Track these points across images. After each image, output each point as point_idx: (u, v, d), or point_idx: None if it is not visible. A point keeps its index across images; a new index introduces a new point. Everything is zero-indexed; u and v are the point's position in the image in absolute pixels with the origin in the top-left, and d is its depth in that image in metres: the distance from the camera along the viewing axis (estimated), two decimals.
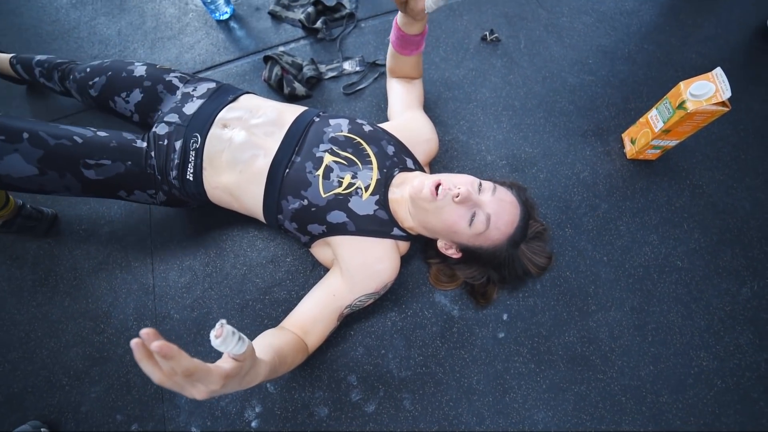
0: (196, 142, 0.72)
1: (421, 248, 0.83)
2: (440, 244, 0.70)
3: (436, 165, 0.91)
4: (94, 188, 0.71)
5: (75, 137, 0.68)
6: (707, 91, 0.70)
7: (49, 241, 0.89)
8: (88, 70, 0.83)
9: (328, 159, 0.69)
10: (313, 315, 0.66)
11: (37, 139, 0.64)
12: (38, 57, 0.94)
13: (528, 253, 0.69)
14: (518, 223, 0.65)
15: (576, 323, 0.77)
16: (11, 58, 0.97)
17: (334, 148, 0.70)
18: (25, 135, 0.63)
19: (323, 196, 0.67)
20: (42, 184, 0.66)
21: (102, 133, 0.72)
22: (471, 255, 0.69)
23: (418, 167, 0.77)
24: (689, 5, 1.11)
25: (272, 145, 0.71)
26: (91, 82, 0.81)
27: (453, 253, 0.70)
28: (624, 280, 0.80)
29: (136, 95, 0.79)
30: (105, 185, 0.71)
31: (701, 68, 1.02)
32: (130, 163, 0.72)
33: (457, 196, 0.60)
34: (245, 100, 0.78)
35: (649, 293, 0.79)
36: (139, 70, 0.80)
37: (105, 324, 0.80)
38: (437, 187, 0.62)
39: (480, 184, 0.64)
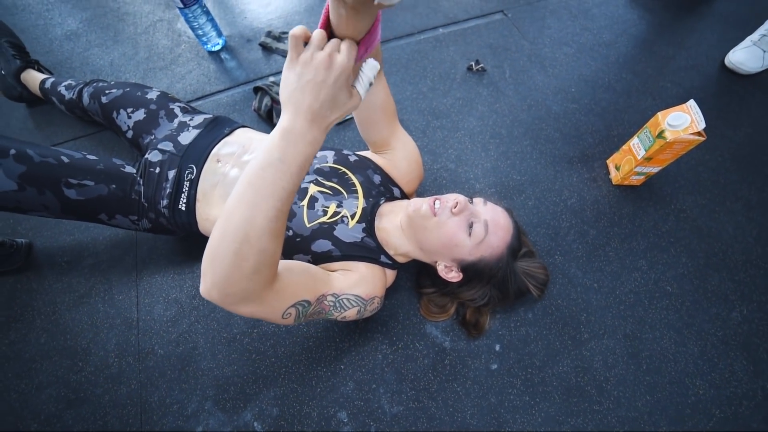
0: (192, 173, 0.72)
1: (412, 278, 0.82)
2: (440, 269, 0.68)
3: (425, 194, 0.92)
4: (74, 209, 0.70)
5: (62, 157, 0.68)
6: (683, 121, 0.73)
7: (28, 274, 0.86)
8: (112, 82, 0.91)
9: (312, 189, 0.69)
10: (301, 266, 0.56)
11: (22, 156, 0.64)
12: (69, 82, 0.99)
13: (525, 269, 0.70)
14: (513, 230, 0.67)
15: (569, 352, 0.76)
16: (44, 79, 1.02)
17: (319, 178, 0.71)
18: (12, 152, 0.63)
19: (307, 225, 0.67)
20: (19, 200, 0.65)
21: (91, 157, 0.72)
22: (472, 272, 0.67)
23: (404, 197, 0.77)
24: (661, 39, 1.17)
25: None
26: (107, 91, 0.87)
27: (454, 276, 0.68)
28: (615, 307, 0.80)
29: (139, 114, 0.83)
30: (85, 207, 0.70)
31: (677, 96, 1.07)
32: (114, 186, 0.71)
33: (455, 206, 0.62)
34: (240, 133, 0.79)
35: (641, 320, 0.78)
36: (152, 94, 0.86)
37: (83, 362, 0.77)
38: (434, 203, 0.64)
39: (470, 199, 0.67)
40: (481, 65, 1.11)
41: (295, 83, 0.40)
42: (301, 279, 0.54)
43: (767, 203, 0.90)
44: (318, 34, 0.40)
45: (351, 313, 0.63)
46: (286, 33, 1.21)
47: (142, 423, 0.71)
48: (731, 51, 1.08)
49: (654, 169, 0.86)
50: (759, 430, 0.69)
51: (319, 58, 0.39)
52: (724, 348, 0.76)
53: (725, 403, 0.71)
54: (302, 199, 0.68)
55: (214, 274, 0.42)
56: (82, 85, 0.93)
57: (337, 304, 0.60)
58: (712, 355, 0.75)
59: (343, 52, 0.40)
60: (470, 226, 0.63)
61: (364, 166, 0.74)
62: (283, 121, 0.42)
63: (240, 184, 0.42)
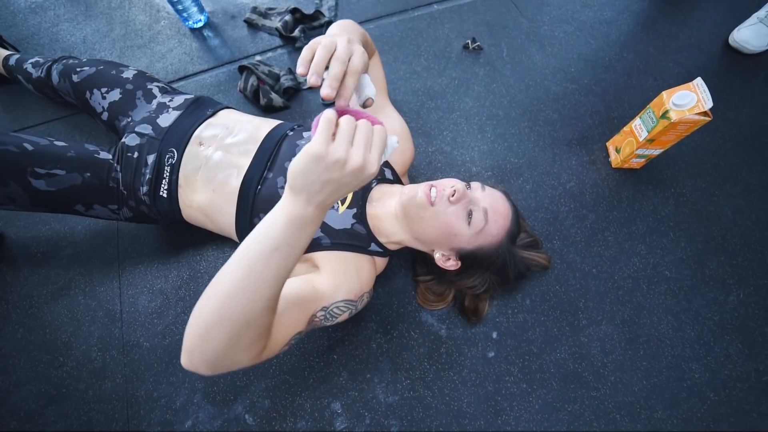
0: (172, 157, 0.68)
1: (407, 265, 0.80)
2: (438, 257, 0.66)
3: (420, 178, 0.89)
4: (45, 200, 0.66)
5: (25, 144, 0.63)
6: (689, 101, 0.70)
7: (0, 267, 0.81)
8: (84, 59, 0.84)
9: None
10: (287, 300, 0.52)
11: None
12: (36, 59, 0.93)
13: (526, 254, 0.69)
14: (512, 216, 0.64)
15: (567, 339, 0.75)
16: (8, 55, 0.96)
17: None
18: None
19: None
20: None
21: (60, 143, 0.68)
22: (471, 260, 0.65)
23: (396, 179, 0.74)
24: (664, 16, 1.13)
25: (247, 163, 0.67)
26: (79, 69, 0.80)
27: (452, 264, 0.65)
28: (614, 293, 0.78)
29: (115, 94, 0.77)
30: (57, 198, 0.66)
31: (678, 77, 1.03)
32: (88, 174, 0.67)
33: (453, 195, 0.59)
34: (223, 115, 0.75)
35: (639, 305, 0.77)
36: (128, 73, 0.80)
37: (65, 356, 0.74)
38: (430, 190, 0.61)
39: (468, 185, 0.64)
40: (478, 44, 1.06)
41: (316, 177, 0.36)
42: (289, 317, 0.51)
43: (767, 186, 0.89)
44: (349, 126, 0.36)
45: (343, 318, 0.61)
46: (273, 9, 1.14)
47: (128, 418, 0.69)
48: (736, 29, 1.05)
49: (655, 152, 0.83)
50: (751, 411, 0.70)
51: (351, 165, 0.36)
52: (720, 332, 0.76)
53: (720, 386, 0.71)
54: None
55: (205, 353, 0.40)
56: (50, 63, 0.86)
57: (328, 316, 0.58)
58: (709, 339, 0.75)
59: (374, 155, 0.37)
60: (469, 214, 0.60)
61: None
62: (291, 207, 0.39)
63: (239, 267, 0.39)
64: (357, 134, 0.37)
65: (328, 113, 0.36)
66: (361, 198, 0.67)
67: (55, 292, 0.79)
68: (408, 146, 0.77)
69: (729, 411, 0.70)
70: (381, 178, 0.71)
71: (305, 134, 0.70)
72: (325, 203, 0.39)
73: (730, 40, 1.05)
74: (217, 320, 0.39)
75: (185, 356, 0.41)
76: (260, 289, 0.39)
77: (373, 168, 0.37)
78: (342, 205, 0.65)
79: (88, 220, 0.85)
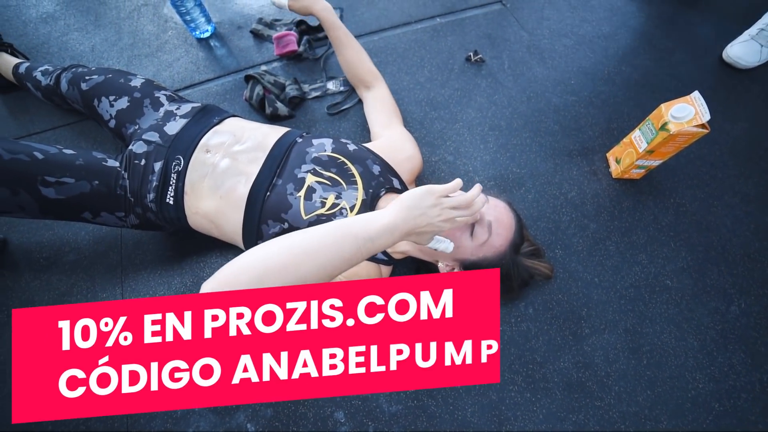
0: (179, 164, 0.69)
1: (411, 272, 0.80)
2: (441, 267, 0.67)
3: None
4: (54, 208, 0.66)
5: (35, 153, 0.64)
6: (687, 113, 0.72)
7: (3, 272, 0.81)
8: (93, 68, 0.85)
9: (310, 180, 0.66)
10: None
11: None
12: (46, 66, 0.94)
13: (529, 262, 0.69)
14: (515, 227, 0.65)
15: (570, 348, 0.75)
16: (18, 63, 0.97)
17: (317, 168, 0.68)
18: None
19: (304, 218, 0.64)
20: None
21: (68, 151, 0.69)
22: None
23: (404, 188, 0.75)
24: (660, 31, 1.16)
25: (255, 170, 0.68)
26: (88, 77, 0.82)
27: None
28: (616, 302, 0.79)
29: (123, 102, 0.78)
30: (66, 205, 0.67)
31: (675, 90, 1.06)
32: (97, 182, 0.68)
33: None
34: (231, 123, 0.76)
35: (642, 314, 0.78)
36: (136, 81, 0.81)
37: None
38: None
39: None
40: (480, 56, 1.09)
41: (424, 208, 0.48)
42: None
43: (764, 197, 0.90)
44: (464, 202, 0.50)
45: None
46: (279, 20, 1.16)
47: (128, 427, 0.68)
48: (729, 45, 1.08)
49: (655, 163, 0.85)
50: (757, 422, 0.69)
51: (446, 215, 0.49)
52: (723, 342, 0.76)
53: (724, 397, 0.71)
54: (299, 190, 0.65)
55: (228, 284, 0.44)
56: (59, 71, 0.88)
57: None
58: (711, 348, 0.75)
59: (450, 222, 0.50)
60: (472, 226, 0.61)
61: (364, 156, 0.72)
62: (393, 217, 0.48)
63: (317, 239, 0.47)
64: (459, 203, 0.50)
65: (458, 184, 0.51)
66: (369, 206, 0.67)
67: (57, 298, 0.79)
68: (415, 153, 0.79)
69: (734, 422, 0.70)
70: (390, 188, 0.72)
71: (314, 141, 0.72)
72: (410, 231, 0.48)
73: (724, 56, 1.08)
74: (264, 271, 0.44)
75: (212, 281, 0.45)
76: (325, 265, 0.46)
77: (437, 226, 0.49)
78: (351, 212, 0.66)
79: (92, 226, 0.85)
